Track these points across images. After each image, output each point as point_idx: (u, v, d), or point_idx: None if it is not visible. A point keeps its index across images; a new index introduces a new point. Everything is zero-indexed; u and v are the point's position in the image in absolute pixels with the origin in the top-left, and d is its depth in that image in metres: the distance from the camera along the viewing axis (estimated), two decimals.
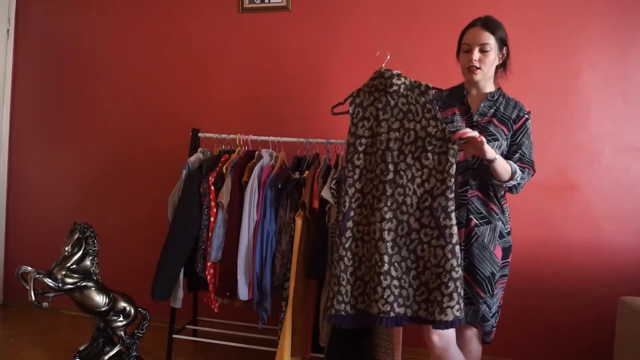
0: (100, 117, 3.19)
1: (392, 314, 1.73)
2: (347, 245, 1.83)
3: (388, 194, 1.78)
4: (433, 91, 1.79)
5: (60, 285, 2.26)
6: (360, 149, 1.86)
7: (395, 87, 1.83)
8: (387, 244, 1.75)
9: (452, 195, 1.71)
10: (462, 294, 1.69)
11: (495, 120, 1.83)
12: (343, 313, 1.82)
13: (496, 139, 1.79)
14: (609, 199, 2.57)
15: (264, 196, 2.35)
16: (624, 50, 2.56)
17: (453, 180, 1.72)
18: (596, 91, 2.59)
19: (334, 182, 2.19)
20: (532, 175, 1.86)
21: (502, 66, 1.90)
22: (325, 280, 2.19)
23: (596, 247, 2.58)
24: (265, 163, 2.43)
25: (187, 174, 2.47)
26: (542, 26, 2.62)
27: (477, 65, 1.80)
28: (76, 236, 2.35)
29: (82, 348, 2.42)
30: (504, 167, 1.71)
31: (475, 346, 1.92)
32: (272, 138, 2.54)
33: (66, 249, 2.34)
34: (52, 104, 3.28)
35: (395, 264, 1.75)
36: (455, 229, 1.70)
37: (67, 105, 3.25)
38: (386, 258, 1.74)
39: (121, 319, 2.41)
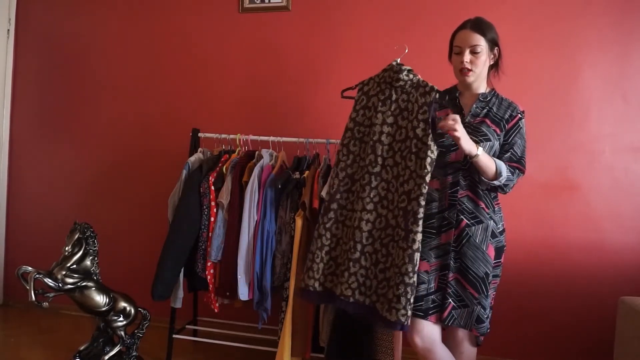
0: (100, 117, 3.19)
1: (351, 299, 1.78)
2: (327, 226, 1.88)
3: (372, 185, 1.81)
4: (437, 94, 1.78)
5: (60, 285, 2.26)
6: (358, 135, 1.88)
7: (401, 82, 1.84)
8: (364, 233, 1.80)
9: (424, 202, 1.72)
10: (410, 300, 1.68)
11: (487, 121, 1.82)
12: (311, 289, 1.89)
13: (488, 139, 1.78)
14: (609, 199, 2.57)
15: (264, 196, 2.35)
16: (623, 50, 2.56)
17: (427, 187, 1.72)
18: (596, 91, 2.59)
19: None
20: (521, 175, 1.84)
21: (494, 66, 1.89)
22: None
23: (596, 247, 2.58)
24: (265, 163, 2.43)
25: (187, 174, 2.47)
26: (542, 26, 2.62)
27: (469, 67, 1.80)
28: (76, 236, 2.35)
29: (82, 348, 2.42)
30: (486, 165, 1.71)
31: (468, 347, 1.88)
32: (272, 138, 2.54)
33: (66, 249, 2.34)
34: (52, 103, 3.28)
35: (367, 254, 1.80)
36: (419, 236, 1.70)
37: (67, 105, 3.25)
38: (359, 247, 1.80)
39: (121, 319, 2.41)
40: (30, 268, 2.25)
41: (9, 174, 3.33)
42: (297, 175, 2.38)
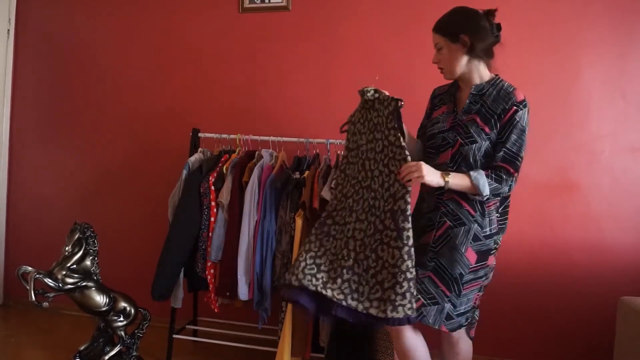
0: (100, 117, 3.19)
1: (344, 303, 1.77)
2: (320, 236, 1.92)
3: (364, 197, 1.89)
4: (400, 102, 1.81)
5: (60, 285, 2.26)
6: (352, 160, 1.98)
7: (370, 102, 1.92)
8: (357, 242, 1.85)
9: (409, 199, 1.75)
10: (414, 293, 1.70)
11: (478, 119, 1.74)
12: (286, 281, 1.85)
13: (474, 142, 1.73)
14: (609, 199, 2.57)
15: (264, 196, 2.35)
16: (623, 50, 2.56)
17: (410, 186, 1.75)
18: (596, 91, 2.59)
19: (334, 182, 2.19)
20: (512, 178, 1.71)
21: (472, 53, 1.76)
22: None
23: (596, 247, 2.58)
24: (265, 163, 2.43)
25: (188, 174, 2.47)
26: (542, 27, 2.62)
27: (440, 66, 1.82)
28: (76, 236, 2.35)
29: (82, 348, 2.42)
30: (461, 187, 1.70)
31: (463, 348, 1.88)
32: (272, 138, 2.54)
33: (66, 249, 2.34)
34: (52, 104, 3.28)
35: (359, 261, 1.83)
36: (411, 232, 1.74)
37: (67, 105, 3.25)
38: (353, 254, 1.85)
39: (121, 319, 2.41)
40: (30, 268, 2.25)
41: (9, 174, 3.33)
42: (297, 175, 2.38)
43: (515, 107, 1.71)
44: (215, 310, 2.48)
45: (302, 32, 2.90)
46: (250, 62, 2.97)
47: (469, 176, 1.69)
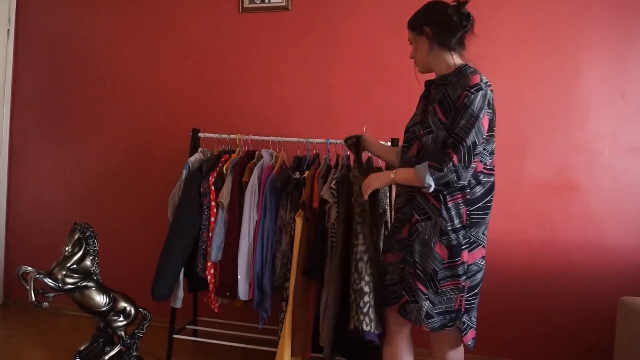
0: (100, 117, 3.19)
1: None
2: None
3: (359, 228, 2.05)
4: (357, 139, 2.09)
5: (60, 285, 2.26)
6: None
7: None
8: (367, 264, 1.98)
9: (359, 219, 1.98)
10: (361, 307, 1.87)
11: (437, 107, 1.71)
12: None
13: (430, 131, 1.71)
14: (609, 199, 2.57)
15: (264, 196, 2.35)
16: (623, 50, 2.56)
17: (363, 205, 1.99)
18: (596, 91, 2.59)
19: (334, 182, 2.20)
20: (452, 161, 1.62)
21: (434, 44, 1.77)
22: (325, 280, 2.20)
23: (596, 247, 2.58)
24: (265, 163, 2.43)
25: (188, 174, 2.47)
26: (542, 27, 2.62)
27: (414, 59, 1.87)
28: (76, 236, 2.35)
29: (82, 348, 2.42)
30: (407, 180, 1.75)
31: (451, 350, 1.82)
32: (272, 138, 2.54)
33: (66, 249, 2.34)
34: (52, 104, 3.28)
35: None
36: (359, 247, 1.94)
37: (67, 105, 3.25)
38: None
39: (121, 319, 2.41)
40: (30, 268, 2.25)
41: (9, 174, 3.33)
42: (297, 175, 2.37)
43: (465, 92, 1.64)
44: (215, 310, 2.48)
45: (302, 32, 2.90)
46: (250, 62, 2.97)
47: (414, 168, 1.69)
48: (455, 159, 1.62)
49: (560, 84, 2.62)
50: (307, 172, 2.35)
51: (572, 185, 2.61)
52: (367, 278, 1.89)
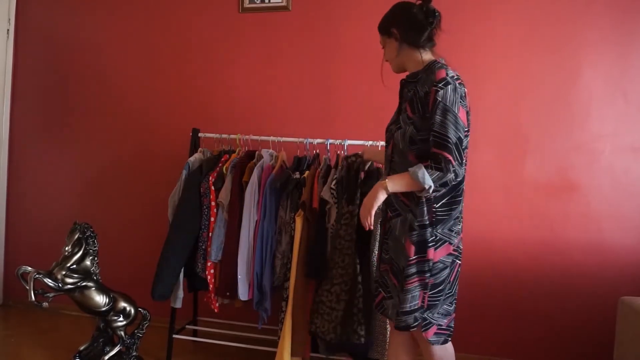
0: (100, 117, 3.19)
1: None
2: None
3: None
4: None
5: (60, 285, 2.26)
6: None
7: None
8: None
9: (342, 232, 2.13)
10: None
11: (407, 104, 1.73)
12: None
13: (399, 127, 1.73)
14: (609, 199, 2.57)
15: (264, 196, 2.35)
16: (624, 50, 2.56)
17: (346, 228, 2.12)
18: (597, 91, 2.59)
19: (334, 182, 2.20)
20: (447, 160, 1.59)
21: (403, 44, 1.78)
22: (325, 279, 2.20)
23: (596, 247, 2.58)
24: (265, 163, 2.43)
25: (188, 174, 2.47)
26: (542, 26, 2.62)
27: (388, 62, 1.88)
28: (76, 236, 2.35)
29: (82, 348, 2.42)
30: (403, 186, 1.67)
31: (425, 349, 1.79)
32: (272, 138, 2.54)
33: (66, 249, 2.34)
34: (52, 103, 3.27)
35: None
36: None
37: (67, 105, 3.25)
38: None
39: (121, 319, 2.41)
40: (30, 268, 2.25)
41: (8, 174, 3.33)
42: (297, 175, 2.37)
43: (434, 87, 1.63)
44: (215, 310, 2.48)
45: (302, 33, 2.90)
46: (250, 62, 2.97)
47: (408, 172, 1.64)
48: (451, 158, 1.60)
49: (561, 84, 2.61)
50: (307, 172, 2.35)
51: (572, 185, 2.61)
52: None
